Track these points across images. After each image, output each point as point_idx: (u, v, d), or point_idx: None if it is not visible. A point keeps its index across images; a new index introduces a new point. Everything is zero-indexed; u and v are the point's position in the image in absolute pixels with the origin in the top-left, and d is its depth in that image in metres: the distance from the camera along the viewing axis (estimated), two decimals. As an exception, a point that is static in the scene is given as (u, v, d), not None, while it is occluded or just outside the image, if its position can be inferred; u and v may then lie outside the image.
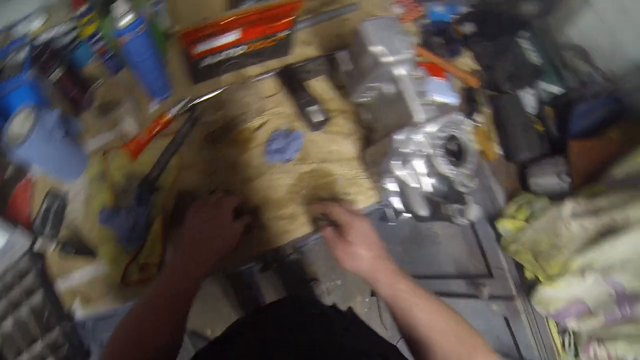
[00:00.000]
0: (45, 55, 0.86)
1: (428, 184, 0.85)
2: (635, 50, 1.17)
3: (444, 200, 0.81)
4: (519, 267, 1.14)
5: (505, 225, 1.14)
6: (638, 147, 1.02)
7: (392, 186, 0.92)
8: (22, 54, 0.87)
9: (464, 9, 1.28)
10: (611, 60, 1.21)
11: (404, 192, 0.91)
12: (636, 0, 1.12)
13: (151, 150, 0.94)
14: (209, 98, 0.97)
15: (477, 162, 0.84)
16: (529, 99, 1.22)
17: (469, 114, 1.13)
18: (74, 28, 0.93)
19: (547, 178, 1.13)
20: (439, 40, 1.20)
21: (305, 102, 0.98)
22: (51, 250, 0.89)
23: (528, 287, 1.11)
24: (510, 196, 1.16)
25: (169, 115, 0.94)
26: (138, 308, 0.68)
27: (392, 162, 0.85)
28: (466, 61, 1.23)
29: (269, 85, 1.04)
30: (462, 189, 0.80)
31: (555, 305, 1.06)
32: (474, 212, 0.76)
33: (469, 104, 1.14)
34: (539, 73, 1.22)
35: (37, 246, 0.89)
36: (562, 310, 1.05)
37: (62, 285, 0.88)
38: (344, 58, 0.95)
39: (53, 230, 0.88)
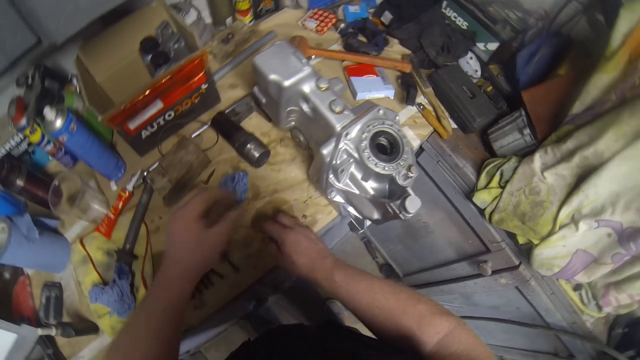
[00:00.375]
0: (4, 170, 0.94)
1: (368, 187, 0.85)
2: None
3: (387, 200, 0.80)
4: (512, 235, 1.11)
5: (482, 197, 1.11)
6: (588, 77, 0.98)
7: (339, 198, 0.93)
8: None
9: (378, 0, 1.29)
10: (539, -1, 1.16)
11: (351, 201, 0.92)
12: None
13: (121, 225, 1.02)
14: (155, 167, 1.04)
15: (412, 149, 0.83)
16: (471, 64, 1.19)
17: (410, 100, 1.13)
18: (24, 137, 1.02)
19: (510, 137, 1.09)
20: (362, 39, 1.21)
21: (241, 143, 1.02)
22: (57, 335, 0.95)
23: (526, 252, 1.07)
24: (480, 167, 1.14)
25: (127, 191, 1.03)
26: (128, 332, 0.67)
27: (329, 176, 0.86)
28: (397, 48, 1.23)
29: (209, 136, 1.09)
30: (404, 183, 0.79)
31: (557, 264, 1.01)
32: (412, 203, 0.75)
33: (409, 89, 1.13)
34: (470, 36, 1.19)
35: (44, 334, 0.95)
36: (566, 267, 1.00)
37: (76, 364, 0.98)
38: (258, 92, 0.99)
39: (57, 317, 0.98)
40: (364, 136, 0.79)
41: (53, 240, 1.01)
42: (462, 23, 1.22)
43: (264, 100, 0.98)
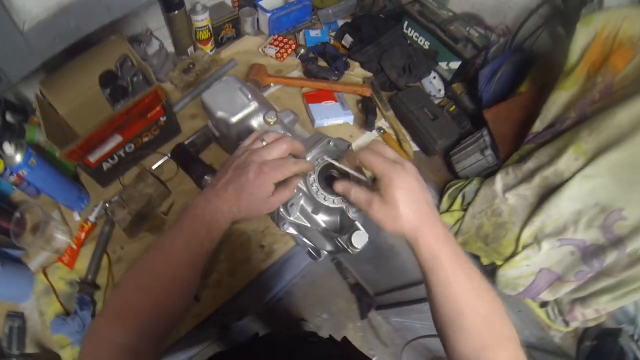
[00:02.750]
0: (-34, 201, 0.94)
1: (319, 220, 0.80)
2: None
3: (336, 233, 0.76)
4: (476, 257, 1.06)
5: (445, 220, 1.07)
6: (548, 94, 0.94)
7: (292, 230, 0.89)
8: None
9: (340, 23, 1.27)
10: (500, 14, 1.12)
11: (304, 233, 0.88)
12: None
13: (84, 256, 1.00)
14: (116, 199, 1.02)
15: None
16: (434, 83, 1.16)
17: (368, 125, 1.09)
18: None
19: (472, 158, 1.05)
20: (322, 64, 1.19)
21: (198, 175, 0.99)
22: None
23: (491, 273, 1.03)
24: (442, 189, 1.11)
25: (90, 222, 1.01)
26: (153, 253, 0.56)
27: (280, 209, 0.81)
28: (358, 71, 1.20)
29: (170, 167, 1.08)
30: (353, 216, 0.74)
31: (522, 283, 0.98)
32: (357, 239, 0.70)
33: (368, 114, 1.10)
34: (432, 56, 1.16)
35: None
36: (530, 286, 0.98)
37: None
38: (212, 126, 0.97)
39: (20, 348, 0.96)
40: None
41: (15, 271, 0.99)
42: (423, 43, 1.18)
43: (217, 134, 0.96)
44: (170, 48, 1.23)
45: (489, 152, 1.02)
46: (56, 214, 1.07)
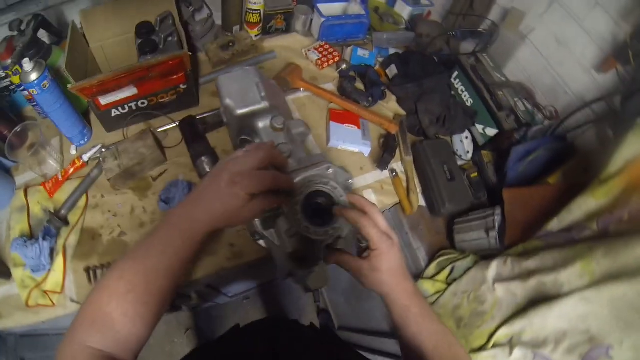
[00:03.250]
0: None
1: (290, 244, 0.72)
2: (576, 83, 1.02)
3: (298, 263, 0.70)
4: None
5: (425, 287, 1.00)
6: (577, 194, 0.86)
7: (261, 242, 0.86)
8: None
9: (391, 52, 1.21)
10: (553, 95, 1.04)
11: (271, 248, 0.83)
12: (569, 28, 0.98)
13: (65, 190, 1.00)
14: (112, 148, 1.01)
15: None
16: (464, 143, 1.09)
17: (382, 164, 1.04)
18: (6, 76, 1.03)
19: (474, 234, 0.98)
20: (359, 86, 1.13)
21: (197, 153, 0.97)
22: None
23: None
24: (434, 254, 1.03)
25: (82, 161, 1.01)
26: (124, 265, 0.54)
27: (255, 220, 0.77)
28: (392, 105, 1.14)
29: (175, 136, 1.06)
30: (321, 255, 0.69)
31: None
32: (314, 281, 0.67)
33: (386, 152, 1.04)
34: (471, 114, 1.08)
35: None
36: None
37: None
38: (221, 112, 0.93)
39: None
40: (300, 190, 0.71)
41: (4, 179, 1.02)
42: (467, 99, 1.11)
43: (225, 120, 0.93)
44: (218, 21, 1.22)
45: (494, 234, 0.94)
46: (56, 141, 1.08)
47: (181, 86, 1.02)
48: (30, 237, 0.97)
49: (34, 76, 0.87)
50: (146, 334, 0.53)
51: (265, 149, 0.61)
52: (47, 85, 0.90)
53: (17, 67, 0.95)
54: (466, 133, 1.09)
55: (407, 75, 1.12)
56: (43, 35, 1.05)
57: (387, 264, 0.62)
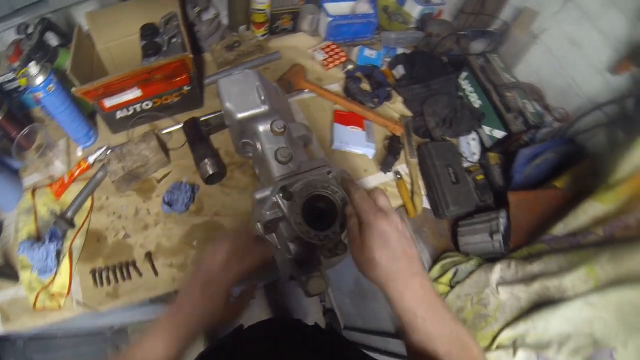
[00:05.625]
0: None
1: (291, 247, 0.74)
2: (588, 84, 1.03)
3: (299, 268, 0.71)
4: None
5: (429, 290, 1.02)
6: (584, 199, 0.87)
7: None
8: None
9: (399, 51, 1.22)
10: (564, 97, 1.05)
11: (273, 252, 0.86)
12: (583, 29, 0.99)
13: (71, 192, 1.03)
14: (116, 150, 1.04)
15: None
16: (471, 145, 1.10)
17: (385, 166, 1.05)
18: (14, 78, 1.06)
19: (478, 237, 0.99)
20: (365, 86, 1.15)
21: (200, 155, 1.00)
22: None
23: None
24: (438, 256, 1.05)
25: (88, 162, 1.04)
26: None
27: (256, 223, 0.78)
28: (398, 106, 1.16)
29: (179, 138, 1.08)
30: (325, 256, 0.68)
31: None
32: (315, 286, 0.66)
33: (391, 154, 1.06)
34: (478, 116, 1.09)
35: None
36: None
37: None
38: (224, 114, 0.94)
39: None
40: (300, 195, 0.72)
41: (9, 180, 1.04)
42: (475, 100, 1.12)
43: (227, 123, 0.96)
44: (225, 20, 1.24)
45: (498, 237, 0.95)
46: (62, 143, 1.11)
47: (185, 88, 1.04)
48: (37, 239, 1.00)
49: (39, 79, 0.89)
50: None
51: (229, 240, 0.67)
52: (53, 89, 0.93)
53: (24, 69, 0.98)
54: (473, 135, 1.10)
55: (413, 77, 1.13)
56: (51, 37, 1.07)
57: (378, 241, 0.55)
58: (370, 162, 1.09)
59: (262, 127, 0.81)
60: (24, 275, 0.98)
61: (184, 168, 1.06)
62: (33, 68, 0.89)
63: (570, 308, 0.79)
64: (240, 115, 0.82)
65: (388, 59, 1.24)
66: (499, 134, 1.07)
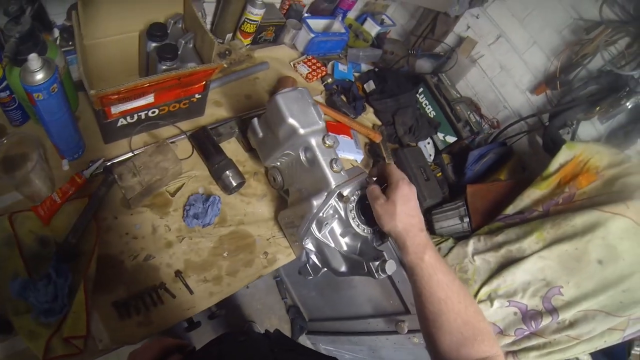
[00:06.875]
0: None
1: (343, 242, 0.91)
2: (514, 101, 1.39)
3: (362, 258, 0.85)
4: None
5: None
6: (524, 188, 1.20)
7: (311, 246, 0.96)
8: None
9: (364, 67, 1.43)
10: (495, 109, 1.41)
11: (322, 251, 0.95)
12: (511, 58, 1.35)
13: (64, 213, 0.88)
14: (124, 160, 0.96)
15: None
16: (427, 148, 1.38)
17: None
18: None
19: (450, 221, 1.26)
20: (343, 99, 1.31)
21: (220, 166, 1.01)
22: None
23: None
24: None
25: (84, 177, 0.91)
26: None
27: (312, 225, 0.90)
28: (370, 117, 1.35)
29: (184, 147, 1.05)
30: (380, 247, 0.87)
31: None
32: (391, 267, 0.80)
33: (374, 158, 1.24)
34: (435, 125, 1.38)
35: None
36: None
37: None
38: (257, 125, 1.00)
39: None
40: (352, 198, 0.86)
41: None
42: (430, 111, 1.40)
43: (260, 135, 1.00)
44: (207, 26, 1.20)
45: (467, 220, 1.24)
46: (37, 155, 0.88)
47: (197, 95, 1.01)
48: (29, 275, 0.81)
49: (42, 76, 0.71)
50: None
51: (154, 346, 0.74)
52: (57, 90, 0.76)
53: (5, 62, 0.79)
54: (428, 140, 1.38)
55: (383, 92, 1.34)
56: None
57: (402, 198, 0.74)
58: (358, 167, 1.26)
59: (315, 141, 0.91)
60: (20, 322, 0.78)
61: (197, 179, 1.04)
62: (35, 61, 0.70)
63: (528, 262, 1.09)
64: (303, 131, 0.89)
65: (357, 74, 1.41)
66: (451, 139, 1.37)
